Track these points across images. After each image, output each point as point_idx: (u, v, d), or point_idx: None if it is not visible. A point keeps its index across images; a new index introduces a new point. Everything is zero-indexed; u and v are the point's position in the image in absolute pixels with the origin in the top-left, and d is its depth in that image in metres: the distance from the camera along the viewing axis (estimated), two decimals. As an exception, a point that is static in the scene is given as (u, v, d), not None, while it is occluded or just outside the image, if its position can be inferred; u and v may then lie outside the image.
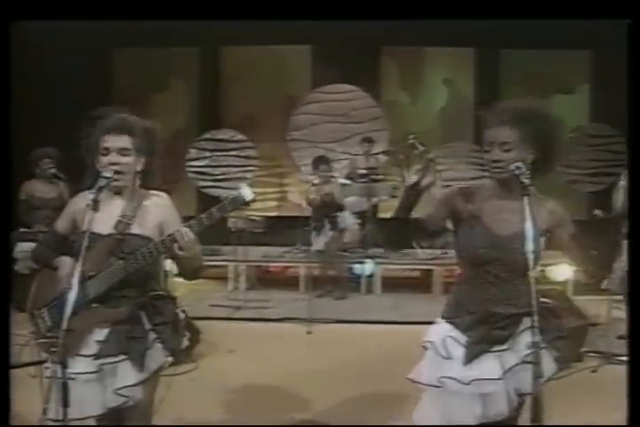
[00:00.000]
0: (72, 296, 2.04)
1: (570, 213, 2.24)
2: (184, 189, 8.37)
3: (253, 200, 2.14)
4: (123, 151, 2.34)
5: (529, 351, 2.07)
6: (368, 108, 8.97)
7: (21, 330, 2.57)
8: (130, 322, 2.32)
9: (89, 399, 2.26)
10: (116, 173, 2.30)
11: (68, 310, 2.03)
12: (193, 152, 8.97)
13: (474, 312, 2.20)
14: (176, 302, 2.50)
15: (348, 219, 7.01)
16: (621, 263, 4.42)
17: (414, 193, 2.13)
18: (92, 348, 2.29)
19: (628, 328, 3.46)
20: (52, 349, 2.14)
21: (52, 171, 5.87)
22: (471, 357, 2.16)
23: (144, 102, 8.62)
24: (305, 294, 6.33)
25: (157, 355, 2.35)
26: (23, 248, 5.14)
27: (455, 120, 8.78)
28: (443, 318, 2.28)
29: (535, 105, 2.25)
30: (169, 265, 2.45)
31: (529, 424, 1.94)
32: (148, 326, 2.35)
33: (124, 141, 2.35)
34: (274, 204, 9.06)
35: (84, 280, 2.18)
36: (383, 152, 8.24)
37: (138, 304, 2.35)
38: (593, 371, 4.31)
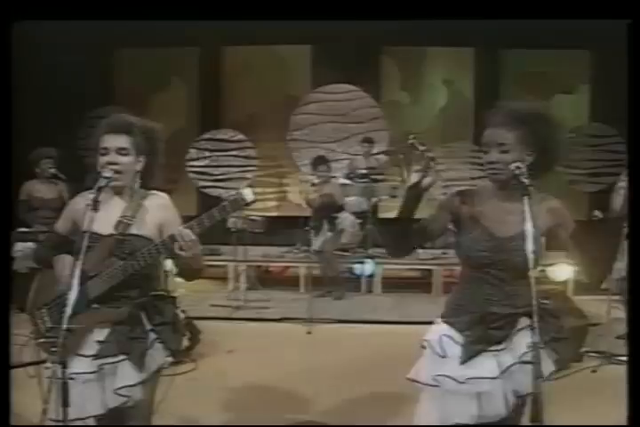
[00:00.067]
0: (72, 296, 2.04)
1: (570, 212, 2.24)
2: (184, 189, 8.37)
3: (254, 201, 2.13)
4: (121, 151, 2.34)
5: (526, 351, 2.08)
6: (368, 108, 8.97)
7: (21, 330, 2.57)
8: (130, 322, 2.32)
9: (89, 399, 2.26)
10: (115, 172, 2.30)
11: (68, 310, 2.03)
12: (193, 152, 8.98)
13: (471, 312, 2.20)
14: (176, 302, 2.51)
15: (346, 220, 7.01)
16: (621, 264, 4.43)
17: (416, 193, 2.12)
18: (92, 348, 2.29)
19: (628, 328, 3.46)
20: (52, 349, 2.13)
21: (52, 171, 5.87)
22: (468, 356, 2.16)
23: (144, 102, 8.63)
24: (305, 293, 6.34)
25: (157, 355, 2.35)
26: (21, 247, 5.16)
27: (455, 120, 8.78)
28: (441, 317, 2.29)
29: (533, 106, 2.25)
30: (169, 265, 2.45)
31: (529, 424, 1.94)
32: (148, 326, 2.35)
33: (122, 141, 2.35)
34: (274, 204, 9.06)
35: (84, 280, 2.18)
36: (383, 152, 8.23)
37: (138, 304, 2.35)
38: (593, 371, 4.31)
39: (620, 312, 4.83)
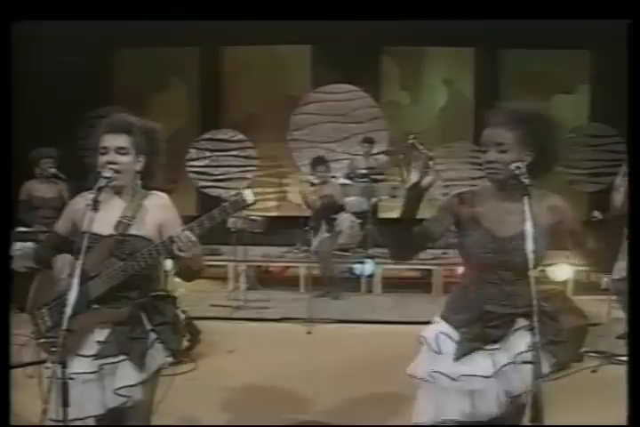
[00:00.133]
0: (72, 296, 2.04)
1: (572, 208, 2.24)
2: (184, 189, 8.37)
3: (254, 203, 2.13)
4: (120, 150, 2.34)
5: (521, 352, 2.08)
6: (368, 108, 8.97)
7: (21, 330, 2.57)
8: (130, 322, 2.32)
9: (89, 399, 2.26)
10: (115, 172, 2.30)
11: (69, 310, 2.03)
12: (193, 152, 8.98)
13: (470, 310, 2.21)
14: (176, 302, 2.51)
15: (345, 221, 7.01)
16: (621, 263, 4.43)
17: (416, 194, 2.12)
18: (92, 348, 2.29)
19: (628, 328, 3.46)
20: (52, 349, 2.13)
21: (52, 171, 5.88)
22: (462, 353, 2.17)
23: (144, 102, 8.62)
24: (305, 293, 6.34)
25: (158, 355, 2.35)
26: (19, 247, 5.16)
27: (455, 120, 8.78)
28: (440, 315, 2.30)
29: (533, 106, 2.25)
30: (169, 265, 2.45)
31: (529, 424, 1.94)
32: (148, 326, 2.35)
33: (121, 140, 2.34)
34: (274, 204, 9.06)
35: (84, 281, 2.18)
36: (383, 152, 8.23)
37: (138, 305, 2.35)
38: (593, 371, 4.31)
39: (621, 312, 4.83)
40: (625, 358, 3.90)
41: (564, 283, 6.50)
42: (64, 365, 2.06)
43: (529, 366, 1.96)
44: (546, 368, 2.12)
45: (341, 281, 6.97)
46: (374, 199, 7.53)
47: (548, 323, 2.15)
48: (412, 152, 2.23)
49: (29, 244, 5.05)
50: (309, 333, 5.47)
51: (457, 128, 8.68)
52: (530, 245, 1.94)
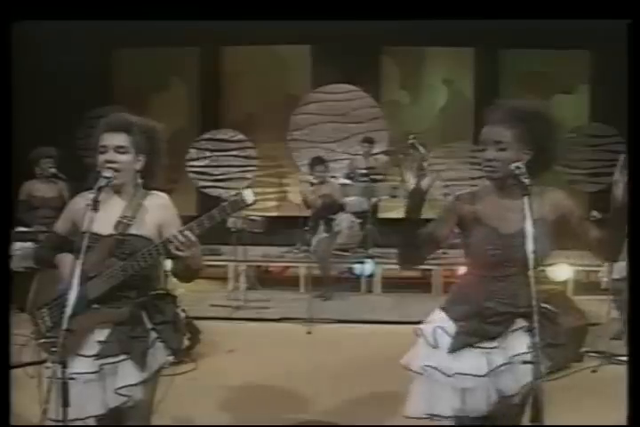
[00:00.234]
0: (72, 296, 2.04)
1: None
2: (184, 189, 8.36)
3: (254, 203, 2.13)
4: (119, 149, 2.34)
5: (519, 353, 2.08)
6: (368, 108, 8.97)
7: (21, 330, 2.57)
8: (131, 322, 2.32)
9: (89, 399, 2.26)
10: (114, 171, 2.30)
11: (69, 310, 2.03)
12: (193, 152, 8.98)
13: (470, 304, 2.21)
14: (176, 302, 2.51)
15: (343, 221, 7.01)
16: (621, 264, 4.43)
17: (418, 197, 2.13)
18: (92, 348, 2.29)
19: (628, 328, 3.46)
20: (53, 349, 2.13)
21: (52, 170, 5.88)
22: (457, 346, 2.18)
23: (144, 102, 8.63)
24: (305, 293, 6.34)
25: (158, 354, 2.35)
26: (19, 247, 5.16)
27: (455, 120, 8.78)
28: (441, 307, 2.31)
29: (532, 105, 2.25)
30: (169, 265, 2.45)
31: (529, 424, 1.94)
32: (148, 325, 2.35)
33: (120, 139, 2.34)
34: (274, 204, 9.06)
35: (84, 281, 2.18)
36: (383, 152, 8.24)
37: (139, 304, 2.35)
38: (593, 371, 4.31)
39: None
40: (625, 358, 3.91)
41: (564, 283, 6.50)
42: (64, 365, 2.05)
43: (524, 367, 1.97)
44: (542, 370, 2.13)
45: (339, 281, 6.97)
46: (374, 199, 7.54)
47: (548, 325, 2.15)
48: (412, 153, 2.24)
49: (29, 244, 5.05)
50: (309, 333, 5.47)
51: (457, 128, 8.68)
52: (530, 246, 1.94)
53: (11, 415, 2.38)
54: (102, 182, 2.24)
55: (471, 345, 2.18)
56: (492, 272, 2.19)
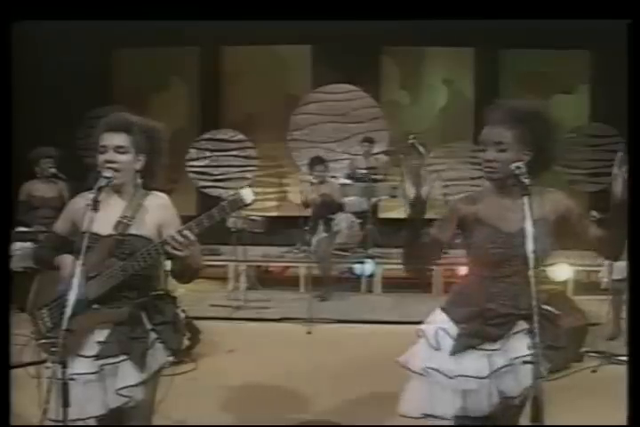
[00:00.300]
0: (72, 297, 2.04)
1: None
2: (184, 189, 8.36)
3: (253, 202, 2.13)
4: (119, 149, 2.33)
5: (519, 355, 2.08)
6: (368, 108, 8.97)
7: (21, 330, 2.57)
8: (130, 322, 2.31)
9: (90, 400, 2.26)
10: (114, 171, 2.30)
11: (69, 310, 2.03)
12: (193, 152, 8.98)
13: (471, 305, 2.21)
14: (176, 302, 2.51)
15: (343, 221, 7.01)
16: (621, 264, 4.43)
17: (420, 206, 2.13)
18: (92, 348, 2.29)
19: (629, 328, 3.46)
20: (53, 349, 2.13)
21: (52, 170, 5.88)
22: (459, 348, 2.18)
23: (144, 102, 8.62)
24: (305, 293, 6.34)
25: (158, 355, 2.35)
26: (19, 247, 5.16)
27: (455, 120, 8.78)
28: (442, 308, 2.30)
29: (532, 105, 2.25)
30: (169, 265, 2.45)
31: (529, 424, 1.94)
32: (148, 325, 2.35)
33: (120, 139, 2.34)
34: (274, 204, 9.06)
35: (84, 281, 2.18)
36: (383, 152, 8.24)
37: (138, 304, 2.35)
38: (593, 371, 4.31)
39: (622, 312, 4.83)
40: (625, 358, 3.91)
41: (564, 283, 6.50)
42: (64, 365, 2.05)
43: (525, 369, 1.97)
44: (542, 371, 2.12)
45: (339, 281, 6.97)
46: (374, 199, 7.54)
47: (548, 327, 2.14)
48: (412, 153, 2.25)
49: (29, 244, 5.05)
50: (309, 333, 5.46)
51: (457, 128, 8.68)
52: (530, 245, 1.94)
53: (11, 415, 2.38)
54: (102, 182, 2.24)
55: (473, 347, 2.18)
56: (493, 272, 2.19)
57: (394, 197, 7.38)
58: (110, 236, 2.33)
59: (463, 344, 2.18)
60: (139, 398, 2.30)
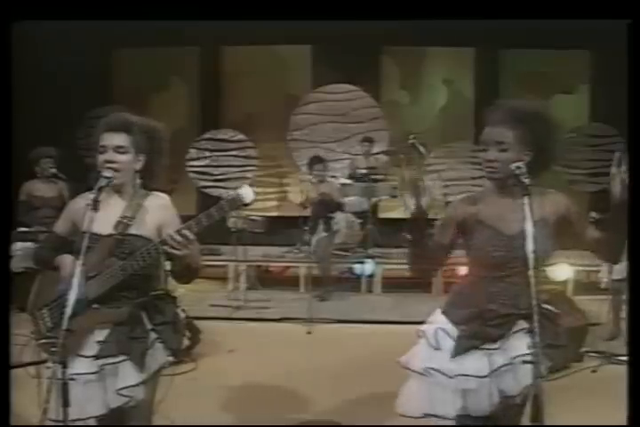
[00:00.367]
0: (72, 296, 2.04)
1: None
2: (184, 189, 8.36)
3: (253, 201, 2.12)
4: (119, 149, 2.33)
5: (519, 354, 2.08)
6: (368, 108, 8.97)
7: (21, 330, 2.57)
8: (130, 322, 2.32)
9: (90, 400, 2.26)
10: (113, 171, 2.30)
11: (69, 310, 2.03)
12: (193, 152, 8.98)
13: (471, 307, 2.21)
14: (176, 302, 2.51)
15: (342, 221, 7.01)
16: (620, 264, 4.43)
17: (422, 219, 2.14)
18: (92, 348, 2.29)
19: (629, 328, 3.46)
20: (53, 349, 2.13)
21: (52, 170, 5.87)
22: (460, 350, 2.18)
23: (144, 102, 8.62)
24: (305, 293, 6.34)
25: (158, 355, 2.35)
26: (20, 247, 5.16)
27: (455, 120, 8.78)
28: (442, 311, 2.31)
29: (533, 106, 2.25)
30: (169, 265, 2.45)
31: (529, 424, 1.94)
32: (148, 325, 2.35)
33: (120, 139, 2.34)
34: (274, 204, 9.06)
35: (84, 281, 2.18)
36: (383, 152, 8.24)
37: (138, 304, 2.35)
38: (593, 371, 4.31)
39: (622, 312, 4.83)
40: (625, 358, 3.91)
41: (564, 283, 6.50)
42: (64, 365, 2.05)
43: (525, 368, 1.97)
44: (543, 370, 2.12)
45: (339, 281, 6.98)
46: (374, 199, 7.54)
47: (548, 326, 2.15)
48: (413, 152, 2.26)
49: (30, 244, 5.05)
50: (309, 333, 5.46)
51: (457, 128, 8.68)
52: (530, 246, 1.94)
53: (11, 415, 2.38)
54: (102, 182, 2.24)
55: (474, 348, 2.18)
56: (493, 273, 2.19)
57: (394, 196, 7.38)
58: (110, 236, 2.34)
59: (463, 346, 2.19)
60: (139, 398, 2.30)
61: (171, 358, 2.39)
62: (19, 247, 5.16)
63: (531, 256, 1.94)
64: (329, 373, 4.44)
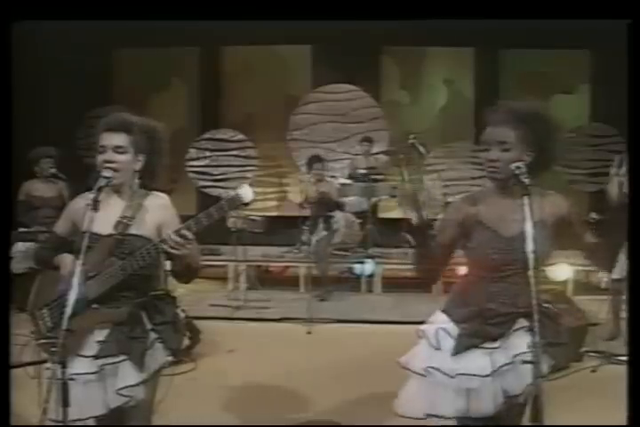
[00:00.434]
0: (72, 296, 2.04)
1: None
2: (184, 189, 8.36)
3: (252, 201, 2.12)
4: (118, 149, 2.33)
5: (520, 352, 2.08)
6: (368, 108, 8.97)
7: (21, 330, 2.57)
8: (130, 322, 2.32)
9: (90, 400, 2.26)
10: (113, 170, 2.30)
11: (69, 310, 2.03)
12: (193, 152, 8.98)
13: (471, 305, 2.22)
14: (176, 302, 2.51)
15: (341, 220, 7.01)
16: (619, 264, 4.43)
17: (426, 230, 2.15)
18: (92, 348, 2.29)
19: (628, 328, 3.46)
20: (53, 349, 2.13)
21: (52, 170, 5.87)
22: (460, 348, 2.18)
23: (144, 102, 8.63)
24: (305, 293, 6.34)
25: (158, 355, 2.35)
26: (19, 248, 5.16)
27: (455, 120, 8.78)
28: (442, 310, 2.31)
29: (536, 107, 2.27)
30: (169, 265, 2.46)
31: (529, 424, 1.94)
32: (148, 325, 2.35)
33: (119, 139, 2.34)
34: (274, 204, 9.06)
35: (84, 281, 2.18)
36: (383, 152, 8.24)
37: (138, 304, 2.35)
38: (593, 371, 4.31)
39: (622, 312, 4.83)
40: (625, 358, 3.91)
41: (564, 283, 6.50)
42: (64, 365, 2.05)
43: (528, 367, 1.96)
44: (544, 369, 2.12)
45: (339, 281, 6.98)
46: (374, 199, 7.53)
47: (549, 324, 2.15)
48: (412, 152, 2.27)
49: (30, 244, 5.05)
50: (309, 333, 5.46)
51: (457, 128, 8.68)
52: (530, 246, 1.94)
53: (11, 415, 2.38)
54: (102, 182, 2.24)
55: (474, 346, 2.18)
56: (492, 274, 2.19)
57: (394, 196, 7.38)
58: (110, 236, 2.34)
59: (464, 344, 2.19)
60: (138, 398, 2.30)
61: (170, 358, 2.39)
62: (20, 248, 5.16)
63: (531, 256, 1.94)
64: (329, 373, 4.44)
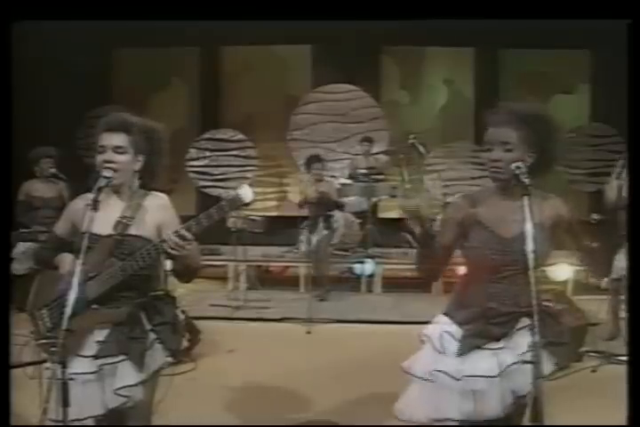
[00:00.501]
0: (72, 296, 2.04)
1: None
2: (184, 189, 8.36)
3: (252, 201, 2.12)
4: (117, 149, 2.33)
5: (525, 351, 2.08)
6: (368, 108, 8.97)
7: (21, 330, 2.57)
8: (130, 322, 2.32)
9: (89, 400, 2.26)
10: (112, 171, 2.30)
11: (68, 310, 2.03)
12: (193, 152, 8.98)
13: (473, 306, 2.22)
14: (176, 302, 2.51)
15: (340, 219, 7.01)
16: (619, 264, 4.43)
17: (430, 240, 2.16)
18: (91, 348, 2.29)
19: (628, 328, 3.46)
20: (52, 349, 2.13)
21: (52, 170, 5.87)
22: (464, 350, 2.18)
23: (144, 102, 8.62)
24: (305, 293, 6.34)
25: (157, 355, 2.35)
26: (19, 249, 5.16)
27: (455, 120, 8.78)
28: (444, 313, 2.31)
29: (538, 108, 2.28)
30: (169, 265, 2.46)
31: (529, 424, 1.94)
32: (147, 326, 2.35)
33: (119, 139, 2.34)
34: (274, 204, 9.06)
35: (84, 281, 2.18)
36: (383, 152, 8.24)
37: (138, 304, 2.35)
38: (593, 371, 4.31)
39: (621, 312, 4.83)
40: (625, 358, 3.90)
41: (564, 283, 6.50)
42: (64, 365, 2.05)
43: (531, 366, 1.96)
44: (546, 369, 2.12)
45: (339, 281, 6.97)
46: (374, 199, 7.53)
47: (550, 323, 2.15)
48: (412, 152, 2.27)
49: (30, 245, 5.05)
50: (309, 333, 5.46)
51: (457, 128, 8.68)
52: (530, 246, 1.95)
53: (11, 415, 2.38)
54: (102, 182, 2.24)
55: (478, 347, 2.18)
56: (491, 274, 2.19)
57: (394, 196, 7.38)
58: (110, 236, 2.34)
59: (468, 345, 2.18)
60: (138, 399, 2.30)
61: (170, 359, 2.39)
62: (21, 249, 5.16)
63: (530, 256, 1.94)
64: (329, 373, 4.43)
